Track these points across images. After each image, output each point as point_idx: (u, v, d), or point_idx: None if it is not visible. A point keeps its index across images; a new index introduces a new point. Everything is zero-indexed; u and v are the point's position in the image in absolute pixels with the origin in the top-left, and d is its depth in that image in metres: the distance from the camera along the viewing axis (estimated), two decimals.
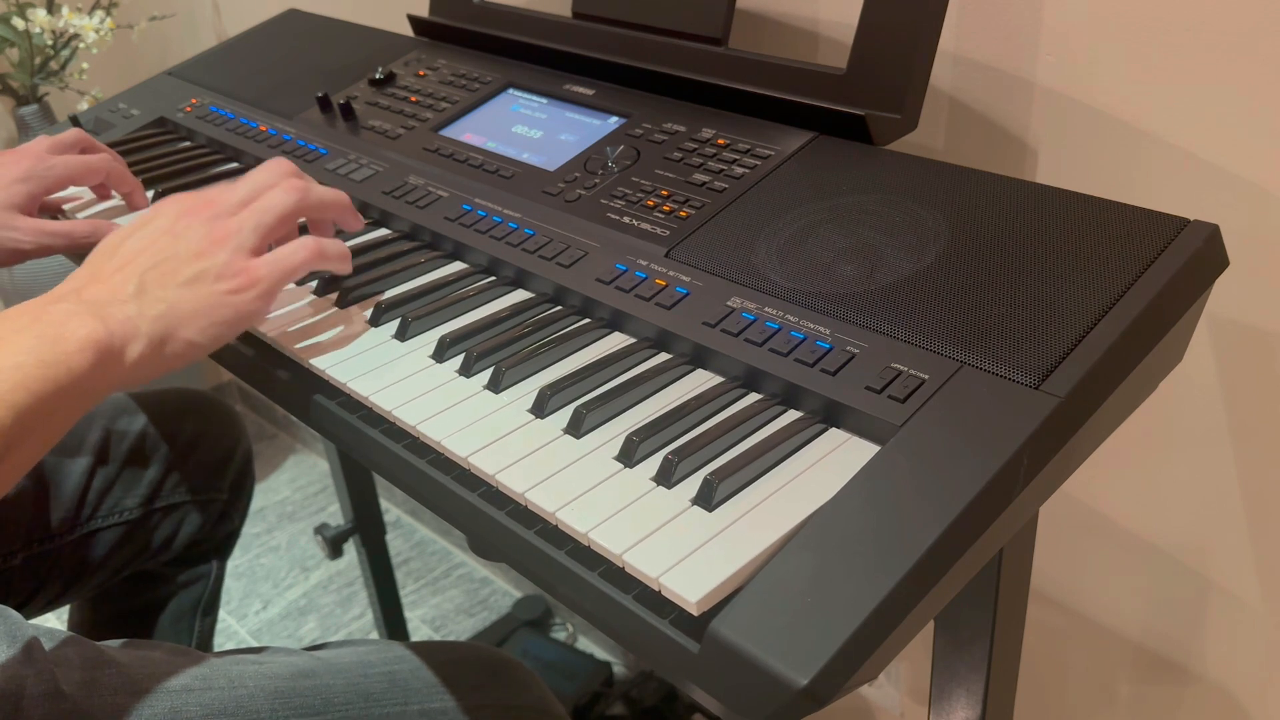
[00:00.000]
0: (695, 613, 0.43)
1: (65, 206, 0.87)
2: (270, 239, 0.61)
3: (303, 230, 0.70)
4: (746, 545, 0.45)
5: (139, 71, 1.70)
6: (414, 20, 1.00)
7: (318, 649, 0.76)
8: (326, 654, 0.74)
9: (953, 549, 0.44)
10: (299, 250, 0.60)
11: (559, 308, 0.66)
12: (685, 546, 0.45)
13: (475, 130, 0.84)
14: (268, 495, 1.99)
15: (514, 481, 0.51)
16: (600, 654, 1.54)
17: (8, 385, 0.48)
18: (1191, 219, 0.55)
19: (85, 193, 0.88)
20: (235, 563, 1.81)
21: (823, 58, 0.87)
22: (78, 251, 0.80)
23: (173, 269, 0.57)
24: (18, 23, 1.55)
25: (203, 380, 2.15)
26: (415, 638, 1.60)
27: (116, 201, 0.86)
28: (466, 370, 0.60)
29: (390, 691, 0.72)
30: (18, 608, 0.70)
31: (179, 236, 0.58)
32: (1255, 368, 0.73)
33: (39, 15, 1.56)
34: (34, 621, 0.67)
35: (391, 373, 0.60)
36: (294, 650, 0.74)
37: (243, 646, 0.76)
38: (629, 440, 0.51)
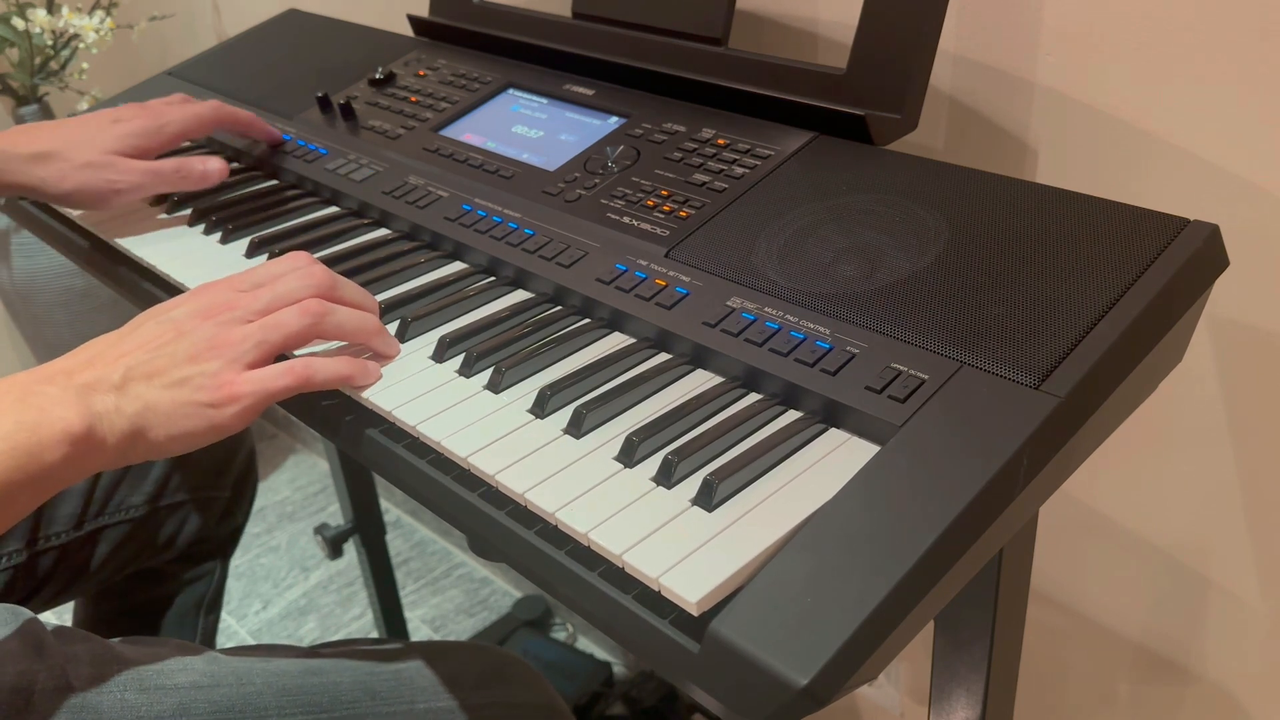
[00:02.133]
0: (695, 613, 0.43)
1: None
2: (274, 355, 0.59)
3: None
4: (746, 545, 0.45)
5: (139, 71, 1.70)
6: (414, 20, 1.00)
7: (324, 648, 0.76)
8: (333, 652, 0.74)
9: (953, 549, 0.44)
10: (284, 375, 0.58)
11: (559, 308, 0.66)
12: (685, 546, 0.45)
13: (475, 130, 0.84)
14: (268, 495, 1.99)
15: (514, 481, 0.51)
16: (600, 654, 1.54)
17: None
18: (1191, 219, 0.55)
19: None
20: (235, 562, 1.81)
21: (823, 58, 0.87)
22: (169, 190, 0.82)
23: (163, 368, 0.56)
24: (18, 23, 1.55)
25: None
26: (415, 638, 1.60)
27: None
28: (466, 370, 0.60)
29: (396, 690, 0.72)
30: (22, 604, 0.70)
31: (183, 335, 0.58)
32: (1255, 368, 0.73)
33: (39, 15, 1.56)
34: (42, 617, 0.68)
35: (391, 373, 0.60)
36: (301, 648, 0.75)
37: (247, 645, 0.76)
38: (629, 440, 0.51)
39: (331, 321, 0.61)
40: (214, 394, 0.56)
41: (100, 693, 0.62)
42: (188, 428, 0.56)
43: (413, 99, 0.90)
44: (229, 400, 0.57)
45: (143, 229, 0.82)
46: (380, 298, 0.68)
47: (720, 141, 0.72)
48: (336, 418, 0.61)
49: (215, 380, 0.56)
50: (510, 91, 0.87)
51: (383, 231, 0.78)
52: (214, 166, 0.82)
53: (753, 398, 0.56)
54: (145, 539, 1.02)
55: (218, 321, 0.59)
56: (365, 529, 1.37)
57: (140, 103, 0.84)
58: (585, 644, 1.59)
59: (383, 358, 0.62)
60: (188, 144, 0.97)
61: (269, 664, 0.69)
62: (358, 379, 0.60)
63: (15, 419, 0.50)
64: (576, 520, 0.48)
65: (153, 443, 0.55)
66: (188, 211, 0.84)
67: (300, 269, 0.62)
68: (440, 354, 0.62)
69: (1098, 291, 0.52)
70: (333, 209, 0.83)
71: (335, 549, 1.37)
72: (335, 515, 1.91)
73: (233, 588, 1.76)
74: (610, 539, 0.46)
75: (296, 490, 2.01)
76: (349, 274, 0.69)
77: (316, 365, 0.59)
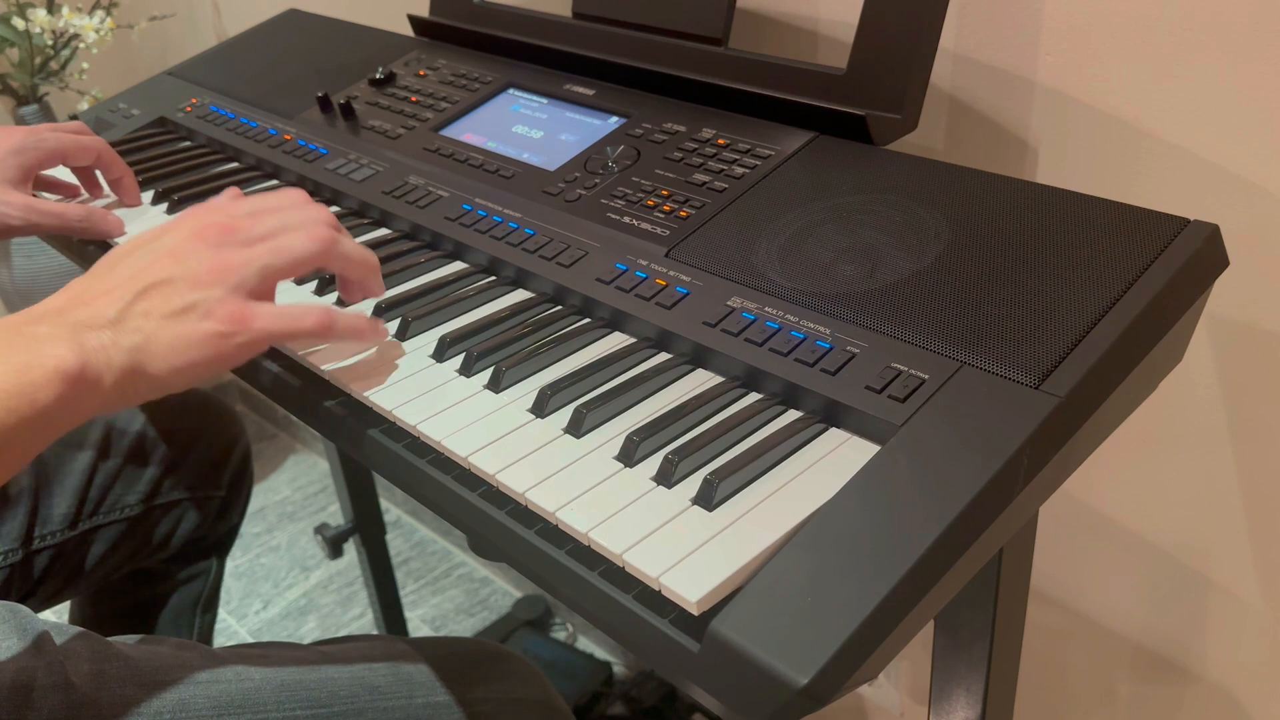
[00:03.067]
0: (695, 612, 0.43)
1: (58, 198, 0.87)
2: (276, 282, 0.57)
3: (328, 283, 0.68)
4: (746, 545, 0.45)
5: (139, 71, 1.70)
6: (414, 20, 1.00)
7: (323, 644, 0.76)
8: (332, 649, 0.74)
9: (952, 549, 0.44)
10: (308, 315, 0.55)
11: (559, 308, 0.66)
12: (685, 546, 0.45)
13: (475, 130, 0.84)
14: (268, 495, 1.99)
15: (514, 481, 0.51)
16: (600, 654, 1.54)
17: None
18: (1191, 219, 0.55)
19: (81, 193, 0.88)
20: (235, 562, 1.81)
21: (823, 58, 0.87)
22: (67, 234, 0.80)
23: (163, 297, 0.53)
24: (18, 23, 1.55)
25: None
26: None
27: (113, 198, 0.86)
28: (466, 370, 0.60)
29: (395, 685, 0.72)
30: (18, 603, 0.70)
31: (181, 259, 0.54)
32: (1255, 368, 0.73)
33: (39, 15, 1.56)
34: (40, 616, 0.68)
35: (391, 372, 0.60)
36: (300, 645, 0.75)
37: (247, 642, 0.76)
38: (629, 440, 0.51)
39: (339, 250, 0.58)
40: (221, 322, 0.53)
41: (100, 689, 0.62)
42: (191, 358, 0.53)
43: (413, 99, 0.90)
44: (239, 328, 0.53)
45: (143, 229, 0.82)
46: (380, 298, 0.68)
47: (720, 141, 0.72)
48: (336, 418, 0.61)
49: (223, 307, 0.53)
50: (510, 91, 0.87)
51: (383, 231, 0.78)
52: (114, 224, 0.79)
53: (753, 397, 0.56)
54: (141, 538, 1.02)
55: (216, 244, 0.55)
56: (365, 529, 1.37)
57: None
58: (585, 644, 1.59)
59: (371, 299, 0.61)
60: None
61: (268, 660, 0.69)
62: (368, 335, 0.58)
63: (5, 360, 0.48)
64: (576, 520, 0.48)
65: (154, 377, 0.52)
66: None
67: (302, 202, 0.59)
68: (440, 354, 0.62)
69: (1098, 291, 0.52)
70: (333, 209, 0.83)
71: (335, 549, 1.37)
72: (335, 515, 1.91)
73: (233, 587, 1.76)
74: (610, 538, 0.46)
75: (296, 490, 2.01)
76: None
77: (336, 314, 0.57)
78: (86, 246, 0.85)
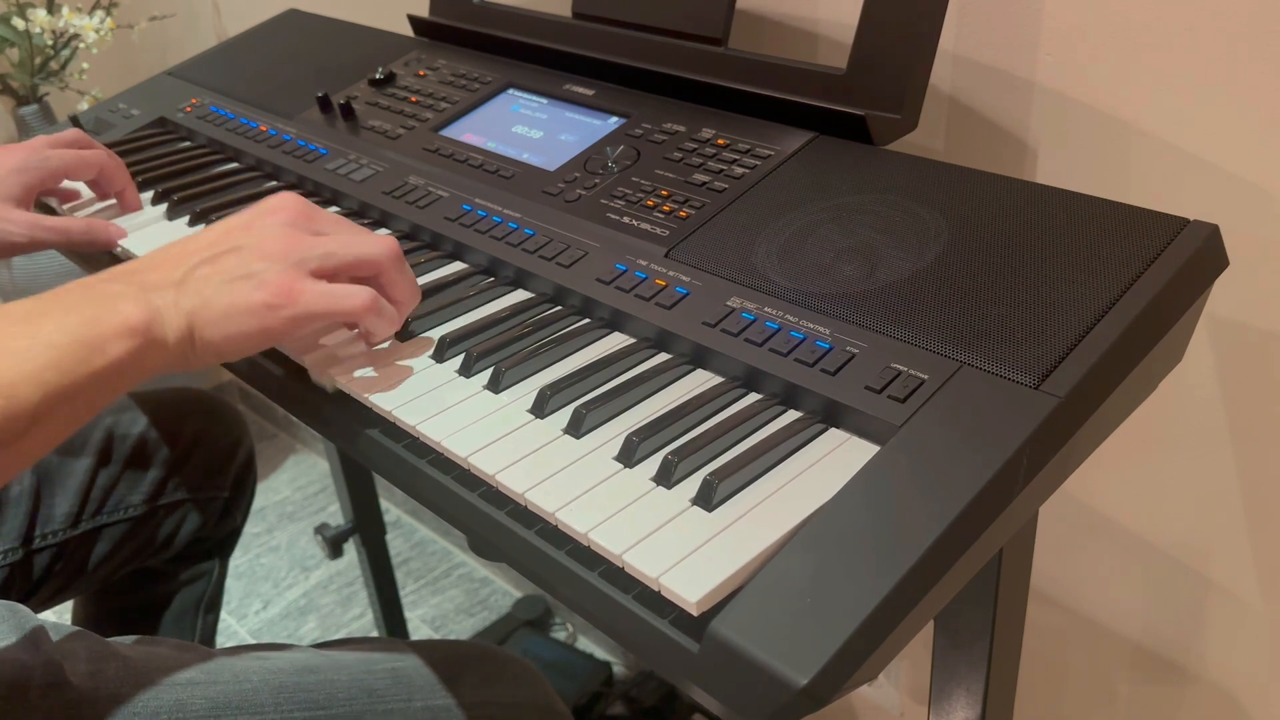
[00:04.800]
0: (695, 613, 0.43)
1: (65, 206, 0.88)
2: (338, 272, 0.58)
3: None
4: (746, 545, 0.45)
5: (139, 71, 1.70)
6: (414, 20, 1.00)
7: (322, 646, 0.76)
8: (331, 650, 0.74)
9: (952, 549, 0.44)
10: (357, 295, 0.57)
11: (559, 308, 0.66)
12: (685, 546, 0.45)
13: (475, 130, 0.84)
14: (268, 495, 1.99)
15: (514, 481, 0.51)
16: (600, 654, 1.54)
17: (41, 363, 0.48)
18: (1191, 219, 0.55)
19: (84, 189, 0.88)
20: (235, 563, 1.81)
21: (823, 58, 0.87)
22: (72, 249, 0.80)
23: (227, 264, 0.55)
24: (18, 23, 1.55)
25: (204, 379, 2.15)
26: (415, 637, 1.60)
27: (114, 202, 0.86)
28: (466, 370, 0.60)
29: (394, 688, 0.72)
30: (20, 602, 0.70)
31: (254, 231, 0.57)
32: (1255, 368, 0.73)
33: (39, 15, 1.56)
34: (40, 616, 0.68)
35: (391, 373, 0.60)
36: (299, 646, 0.75)
37: (246, 643, 0.76)
38: (629, 440, 0.51)
39: (401, 268, 0.60)
40: (273, 294, 0.55)
41: (97, 688, 0.62)
42: (240, 327, 0.54)
43: (413, 99, 0.90)
44: (287, 302, 0.55)
45: (144, 229, 0.82)
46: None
47: (720, 141, 0.72)
48: (336, 418, 0.61)
49: (279, 280, 0.55)
50: (510, 91, 0.87)
51: (383, 232, 0.78)
52: (115, 234, 0.80)
53: (753, 398, 0.56)
54: (144, 538, 1.02)
55: (290, 224, 0.58)
56: (365, 529, 1.37)
57: (23, 142, 0.81)
58: (585, 644, 1.59)
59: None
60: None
61: (266, 661, 0.69)
62: (396, 325, 0.61)
63: (79, 314, 0.51)
64: (576, 520, 0.48)
65: (208, 342, 0.54)
66: (188, 213, 0.84)
67: (379, 235, 0.61)
68: (440, 354, 0.62)
69: (1097, 291, 0.52)
70: (333, 209, 0.83)
71: (335, 549, 1.37)
72: (335, 515, 1.91)
73: (233, 588, 1.76)
74: (610, 539, 0.46)
75: (296, 490, 2.01)
76: None
77: (384, 303, 0.59)
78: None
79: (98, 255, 0.83)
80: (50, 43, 1.62)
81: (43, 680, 0.61)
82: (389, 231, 0.76)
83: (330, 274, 0.58)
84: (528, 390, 0.57)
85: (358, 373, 0.61)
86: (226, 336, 0.55)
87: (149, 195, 0.87)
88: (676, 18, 0.80)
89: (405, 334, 0.64)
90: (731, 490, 0.48)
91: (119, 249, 0.80)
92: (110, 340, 0.50)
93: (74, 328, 0.50)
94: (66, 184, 0.87)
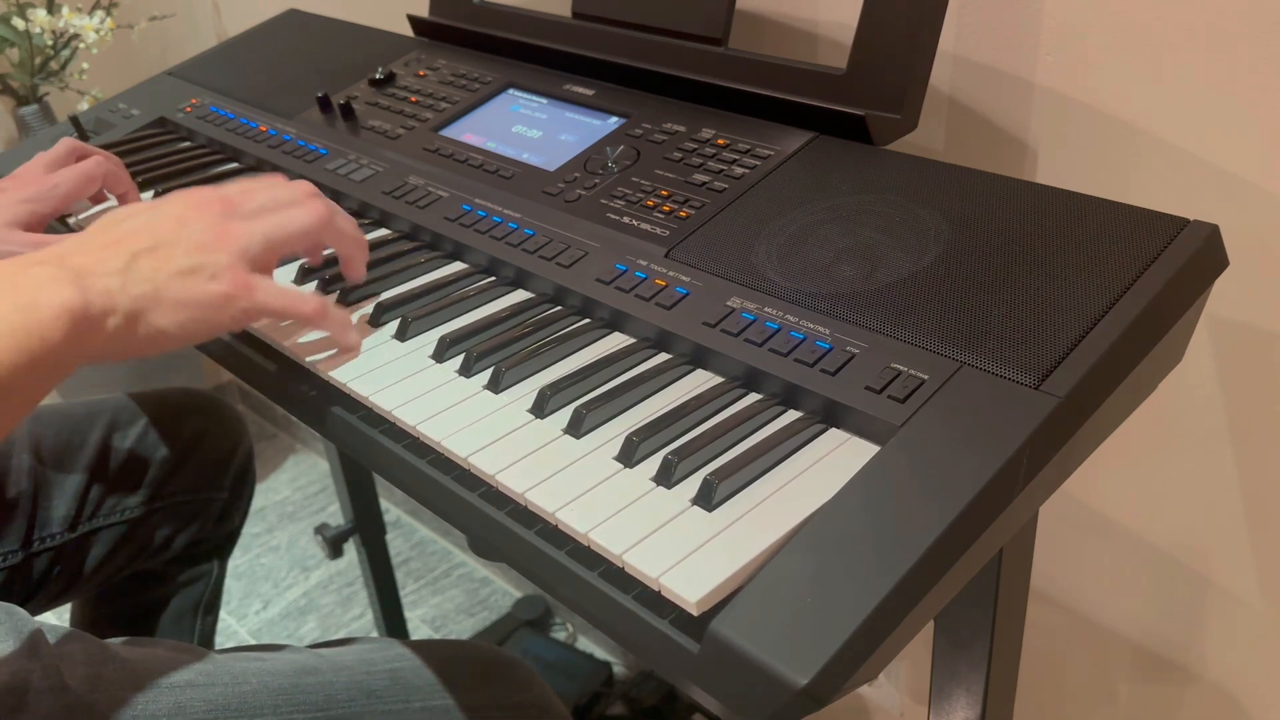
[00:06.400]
0: (695, 613, 0.43)
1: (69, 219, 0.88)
2: (278, 255, 0.59)
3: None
4: (746, 545, 0.45)
5: (139, 71, 1.70)
6: (414, 20, 1.00)
7: (320, 647, 0.76)
8: (329, 651, 0.74)
9: (952, 549, 0.44)
10: (307, 302, 0.58)
11: (559, 308, 0.66)
12: (685, 546, 0.45)
13: (475, 130, 0.84)
14: (268, 495, 1.99)
15: (514, 481, 0.51)
16: (600, 654, 1.54)
17: None
18: (1191, 219, 0.55)
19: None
20: (235, 563, 1.81)
21: (823, 58, 0.87)
22: None
23: (169, 256, 0.55)
24: (18, 23, 1.55)
25: (203, 380, 2.15)
26: (415, 637, 1.60)
27: (114, 203, 0.86)
28: (466, 370, 0.60)
29: (392, 689, 0.72)
30: (19, 605, 0.70)
31: (185, 225, 0.57)
32: (1255, 368, 0.73)
33: (39, 15, 1.56)
34: (37, 619, 0.68)
35: (391, 373, 0.60)
36: (297, 648, 0.74)
37: (244, 645, 0.76)
38: (629, 440, 0.51)
39: (335, 225, 0.61)
40: (227, 285, 0.55)
41: (95, 692, 0.62)
42: (196, 316, 0.55)
43: (413, 99, 0.90)
44: (241, 295, 0.56)
45: None
46: (380, 298, 0.68)
47: (720, 141, 0.72)
48: (336, 418, 0.61)
49: (229, 273, 0.56)
50: (510, 91, 0.87)
51: (383, 231, 0.78)
52: None
53: (753, 398, 0.56)
54: (142, 540, 1.02)
55: (220, 214, 0.58)
56: (365, 529, 1.37)
57: (22, 167, 0.81)
58: (585, 644, 1.59)
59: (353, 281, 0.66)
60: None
61: (265, 663, 0.69)
62: (350, 335, 0.62)
63: (10, 300, 0.49)
64: (576, 520, 0.48)
65: (156, 328, 0.54)
66: None
67: (290, 182, 0.62)
68: (440, 354, 0.62)
69: (1097, 291, 0.52)
70: None
71: (335, 549, 1.37)
72: (335, 515, 1.91)
73: (233, 588, 1.76)
74: (610, 539, 0.46)
75: (296, 490, 2.01)
76: None
77: (331, 309, 0.60)
78: None
79: None
80: (50, 43, 1.62)
81: (41, 684, 0.60)
82: (314, 187, 0.76)
83: (275, 256, 0.59)
84: (528, 390, 0.57)
85: (358, 372, 0.61)
86: (178, 323, 0.55)
87: (149, 195, 0.87)
88: (676, 18, 0.80)
89: (406, 334, 0.64)
90: (732, 490, 0.48)
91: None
92: (48, 325, 0.49)
93: (7, 315, 0.48)
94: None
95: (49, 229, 0.78)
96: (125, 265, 0.54)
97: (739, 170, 0.69)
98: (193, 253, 0.56)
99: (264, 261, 0.58)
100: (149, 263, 0.55)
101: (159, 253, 0.55)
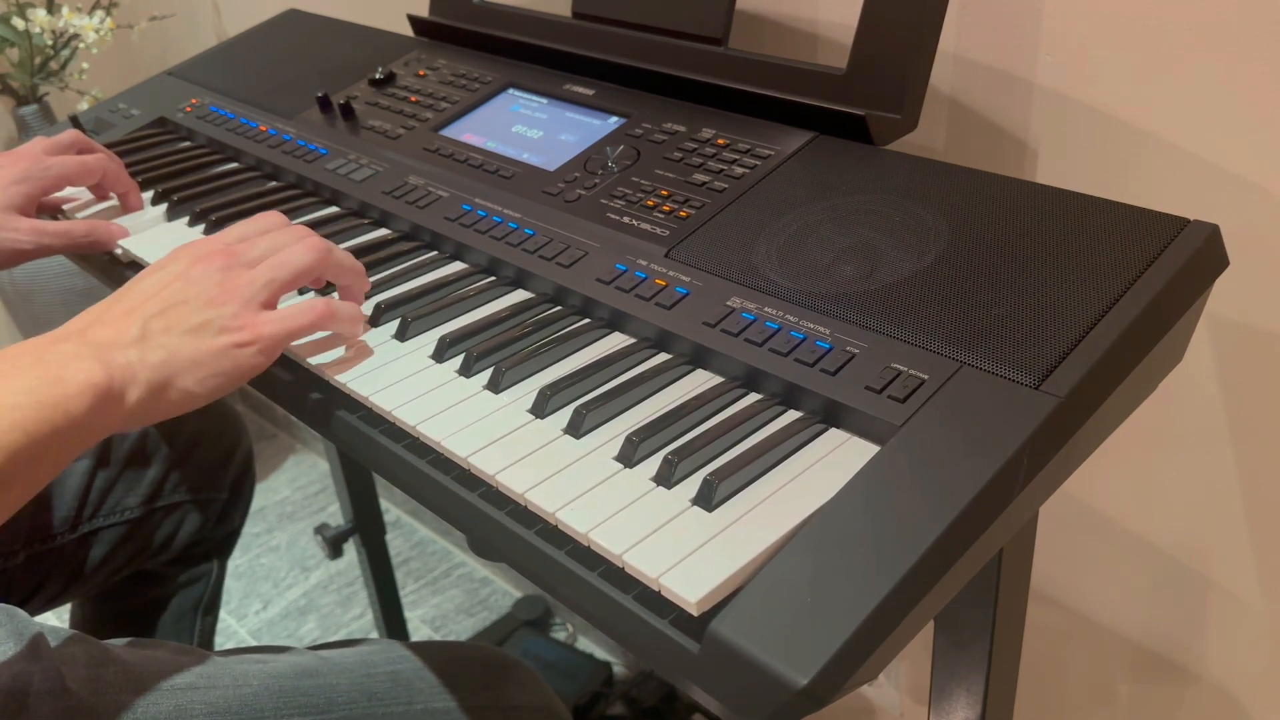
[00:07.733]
0: (695, 613, 0.43)
1: (64, 207, 0.88)
2: (282, 294, 0.60)
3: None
4: (746, 545, 0.45)
5: (139, 71, 1.70)
6: (414, 20, 1.00)
7: (321, 648, 0.76)
8: (330, 653, 0.74)
9: (952, 549, 0.44)
10: (308, 311, 0.59)
11: (559, 308, 0.66)
12: (685, 547, 0.45)
13: (475, 130, 0.84)
14: (268, 495, 1.99)
15: (514, 482, 0.51)
16: (600, 654, 1.54)
17: (4, 425, 0.48)
18: (1191, 219, 0.55)
19: (84, 193, 0.88)
20: (235, 563, 1.81)
21: (823, 58, 0.87)
22: (76, 251, 0.80)
23: (179, 316, 0.56)
24: (18, 23, 1.55)
25: None
26: (415, 638, 1.60)
27: (115, 202, 0.86)
28: (466, 370, 0.60)
29: (394, 691, 0.72)
30: (19, 606, 0.70)
31: (191, 282, 0.58)
32: (1255, 368, 0.73)
33: (39, 15, 1.56)
34: (38, 619, 0.68)
35: (391, 373, 0.60)
36: (298, 649, 0.74)
37: (245, 646, 0.76)
38: (629, 440, 0.51)
39: (333, 259, 0.62)
40: (237, 334, 0.57)
41: (96, 694, 0.62)
42: (215, 369, 0.56)
43: (413, 99, 0.90)
44: (253, 340, 0.57)
45: (145, 230, 0.82)
46: (380, 298, 0.68)
47: (720, 141, 0.72)
48: (336, 418, 0.61)
49: (236, 321, 0.57)
50: (510, 91, 0.87)
51: (383, 231, 0.78)
52: (117, 233, 0.80)
53: (753, 398, 0.56)
54: (142, 541, 1.02)
55: (221, 267, 0.59)
56: (365, 529, 1.37)
57: (22, 145, 0.81)
58: (585, 644, 1.59)
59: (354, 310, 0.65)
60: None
61: (266, 665, 0.69)
62: (360, 326, 0.63)
63: (35, 374, 0.50)
64: (576, 520, 0.48)
65: (183, 390, 0.55)
66: (188, 213, 0.84)
67: (285, 225, 0.64)
68: (440, 354, 0.62)
69: (1098, 291, 0.52)
70: (333, 209, 0.83)
71: (335, 549, 1.37)
72: (335, 515, 1.91)
73: (233, 588, 1.76)
74: (610, 539, 0.46)
75: (296, 490, 2.01)
76: None
77: (335, 304, 0.61)
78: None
79: (99, 256, 0.83)
80: (50, 43, 1.62)
81: (42, 687, 0.60)
82: (329, 210, 0.76)
83: (279, 295, 0.60)
84: (528, 390, 0.57)
85: (358, 372, 0.61)
86: (199, 380, 0.56)
87: (149, 195, 0.87)
88: (676, 18, 0.80)
89: (406, 334, 0.64)
90: (731, 490, 0.48)
91: (119, 249, 0.80)
92: (73, 399, 0.50)
93: (34, 388, 0.50)
94: (69, 190, 0.87)
95: (51, 223, 0.78)
96: (140, 335, 0.55)
97: (739, 170, 0.69)
98: (202, 309, 0.57)
99: (270, 303, 0.60)
100: (160, 325, 0.56)
101: (169, 314, 0.56)
